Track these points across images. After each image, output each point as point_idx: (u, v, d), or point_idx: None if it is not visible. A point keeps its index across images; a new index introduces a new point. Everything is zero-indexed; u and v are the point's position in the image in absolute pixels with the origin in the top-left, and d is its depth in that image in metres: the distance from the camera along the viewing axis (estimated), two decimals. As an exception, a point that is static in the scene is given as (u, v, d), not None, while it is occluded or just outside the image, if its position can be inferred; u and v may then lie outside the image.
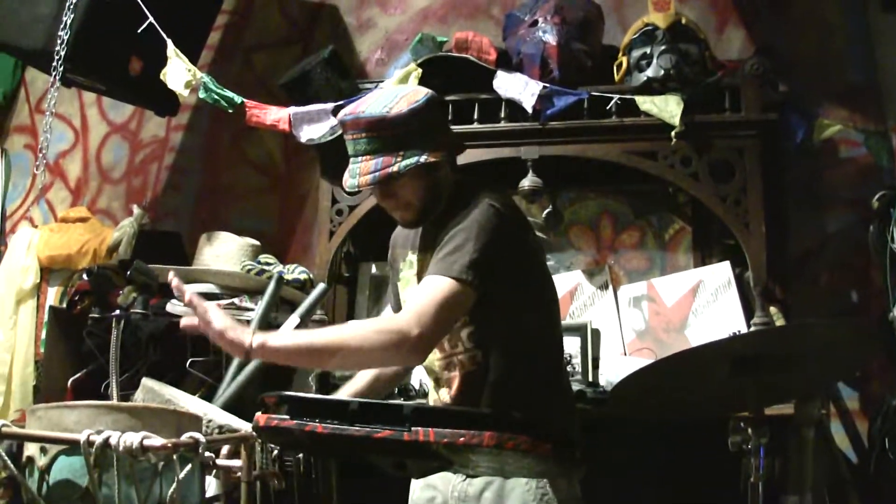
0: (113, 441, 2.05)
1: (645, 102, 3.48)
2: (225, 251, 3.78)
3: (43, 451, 2.10)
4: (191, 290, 2.25)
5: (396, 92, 2.43)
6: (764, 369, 2.19)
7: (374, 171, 2.33)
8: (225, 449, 2.45)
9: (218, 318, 2.23)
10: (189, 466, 2.14)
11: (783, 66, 3.69)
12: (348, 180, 2.38)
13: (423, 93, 2.46)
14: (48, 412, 2.18)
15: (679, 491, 3.22)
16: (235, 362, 3.40)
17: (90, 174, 4.43)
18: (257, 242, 3.85)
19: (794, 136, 3.54)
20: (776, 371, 2.21)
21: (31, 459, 2.13)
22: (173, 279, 2.27)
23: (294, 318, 3.42)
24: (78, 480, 2.07)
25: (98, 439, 2.05)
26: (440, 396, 2.50)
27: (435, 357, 2.44)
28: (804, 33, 3.83)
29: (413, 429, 2.00)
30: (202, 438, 2.20)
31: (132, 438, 2.06)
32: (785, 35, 3.83)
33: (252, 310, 3.56)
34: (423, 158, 2.34)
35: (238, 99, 3.59)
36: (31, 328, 4.17)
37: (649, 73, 3.53)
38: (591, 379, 3.47)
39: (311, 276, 3.75)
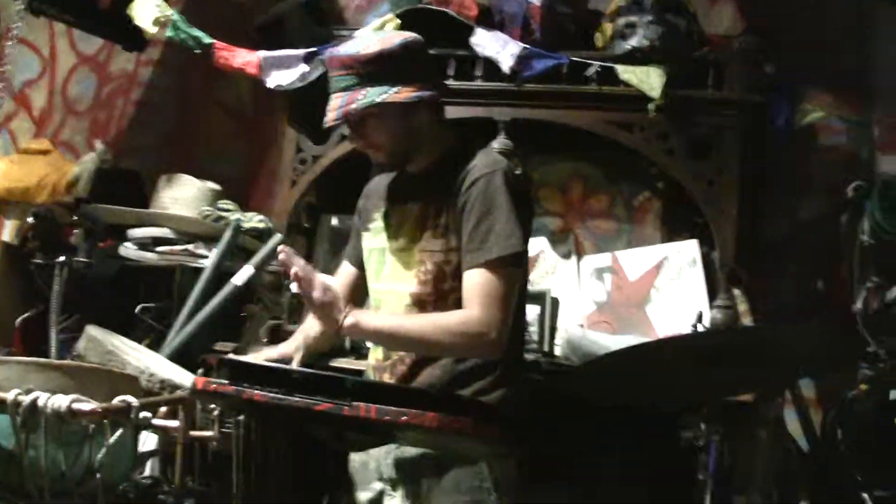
0: (41, 403, 1.99)
1: (626, 72, 3.38)
2: (184, 195, 3.69)
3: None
4: (299, 263, 2.28)
5: (378, 34, 2.53)
6: (725, 367, 2.16)
7: (339, 107, 2.34)
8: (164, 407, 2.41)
9: (318, 291, 2.28)
10: (120, 431, 2.08)
11: (772, 46, 3.55)
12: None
13: (401, 36, 2.47)
14: (-25, 368, 2.10)
15: (630, 483, 3.17)
16: (186, 309, 3.33)
17: (55, 105, 4.31)
18: (218, 187, 3.75)
19: (776, 119, 3.47)
20: (737, 369, 2.17)
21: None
22: (282, 252, 2.29)
23: (248, 269, 3.35)
24: (4, 441, 2.01)
25: (26, 400, 1.99)
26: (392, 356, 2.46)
27: (403, 307, 2.41)
28: (797, 15, 3.70)
29: (354, 404, 1.96)
30: (135, 402, 2.14)
31: (61, 401, 2.00)
32: (777, 15, 3.70)
33: (206, 257, 3.48)
34: (379, 98, 2.33)
35: (207, 39, 3.49)
36: (-15, 260, 4.08)
37: (633, 42, 3.42)
38: (546, 349, 3.42)
39: (270, 225, 3.66)
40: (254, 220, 3.62)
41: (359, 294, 2.66)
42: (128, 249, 3.52)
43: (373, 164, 2.68)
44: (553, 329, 3.46)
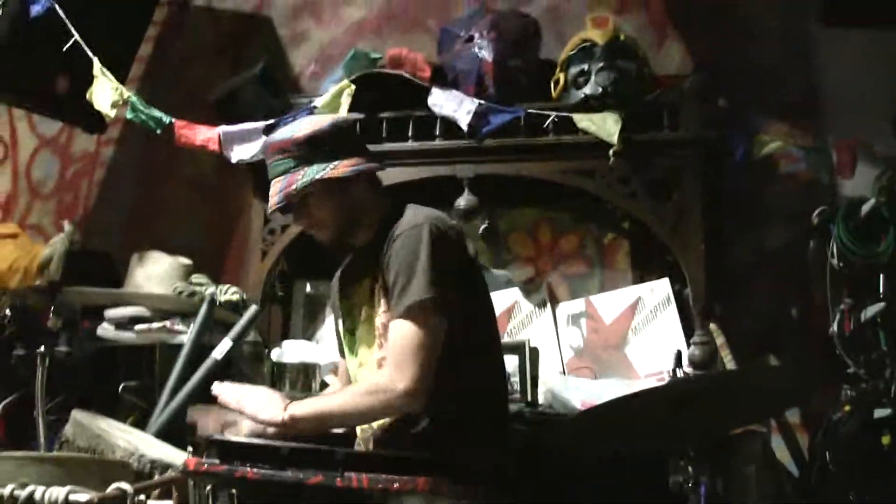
0: (38, 496, 2.00)
1: (583, 120, 3.44)
2: (157, 272, 3.69)
3: (-33, 504, 2.04)
4: (226, 394, 2.40)
5: (309, 118, 2.59)
6: (702, 410, 2.20)
7: (280, 190, 2.41)
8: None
9: (249, 402, 2.36)
10: (116, 518, 2.09)
11: (723, 81, 3.64)
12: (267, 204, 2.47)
13: (331, 118, 2.59)
14: (-28, 465, 2.10)
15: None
16: (168, 386, 3.34)
17: (20, 189, 4.33)
18: (189, 262, 3.76)
19: (734, 153, 3.50)
20: (716, 411, 2.21)
21: (-42, 508, 2.06)
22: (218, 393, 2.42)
23: (227, 342, 3.36)
24: (2, 535, 2.01)
25: (22, 494, 2.00)
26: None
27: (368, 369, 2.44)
28: (744, 48, 3.81)
29: (346, 474, 2.00)
30: (129, 489, 2.14)
31: (58, 493, 2.01)
32: (724, 50, 3.81)
33: (185, 332, 3.48)
34: (320, 175, 2.38)
35: (166, 119, 3.51)
36: (-40, 347, 4.07)
37: (587, 90, 3.49)
38: (529, 398, 3.44)
39: (244, 296, 3.66)
40: (228, 293, 3.60)
41: None
42: (105, 330, 3.51)
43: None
44: (535, 378, 3.48)
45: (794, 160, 3.68)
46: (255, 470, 2.08)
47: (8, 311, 3.48)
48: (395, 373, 2.25)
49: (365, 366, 2.47)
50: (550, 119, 3.49)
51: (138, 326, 3.50)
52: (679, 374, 3.22)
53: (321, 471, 2.04)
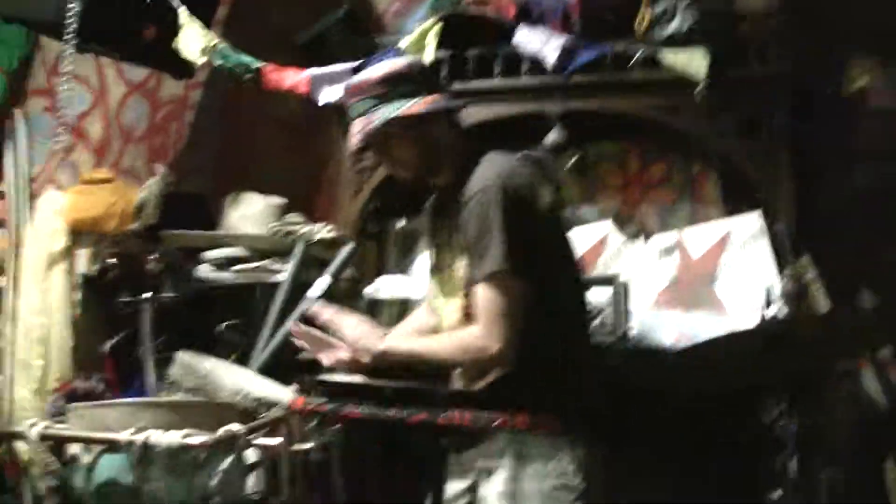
0: (153, 440, 2.10)
1: (669, 57, 3.42)
2: (251, 213, 3.80)
3: (86, 448, 2.15)
4: (325, 315, 2.55)
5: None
6: (794, 350, 2.23)
7: (359, 132, 2.48)
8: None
9: (350, 332, 2.49)
10: (229, 458, 2.19)
11: (812, 13, 3.55)
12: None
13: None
14: (89, 411, 2.21)
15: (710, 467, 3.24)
16: (268, 324, 3.45)
17: (112, 134, 4.39)
18: (283, 201, 3.84)
19: (824, 88, 3.49)
20: (808, 351, 2.24)
21: (74, 458, 2.18)
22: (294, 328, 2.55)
23: (324, 280, 3.46)
24: (122, 478, 2.12)
25: (139, 438, 2.10)
26: None
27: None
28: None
29: (448, 412, 2.08)
30: (241, 429, 2.24)
31: (172, 437, 2.11)
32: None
33: (282, 272, 3.58)
34: (396, 113, 2.45)
35: (255, 64, 3.55)
36: (64, 291, 4.19)
37: (673, 26, 3.43)
38: (621, 332, 3.48)
39: (339, 234, 3.76)
40: (323, 231, 3.71)
41: None
42: (204, 272, 3.63)
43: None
44: (626, 312, 3.51)
45: (884, 96, 3.58)
46: (359, 409, 2.17)
47: (113, 260, 3.60)
48: (487, 335, 2.34)
49: (449, 308, 2.53)
50: (637, 56, 3.48)
51: (236, 267, 3.61)
52: (769, 309, 3.25)
53: (424, 409, 2.12)
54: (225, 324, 3.56)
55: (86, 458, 2.18)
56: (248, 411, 2.60)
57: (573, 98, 3.59)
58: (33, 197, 4.33)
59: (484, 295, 2.34)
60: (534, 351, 2.39)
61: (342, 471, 2.70)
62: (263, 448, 2.43)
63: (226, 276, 3.60)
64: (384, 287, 3.74)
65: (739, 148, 3.45)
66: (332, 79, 3.58)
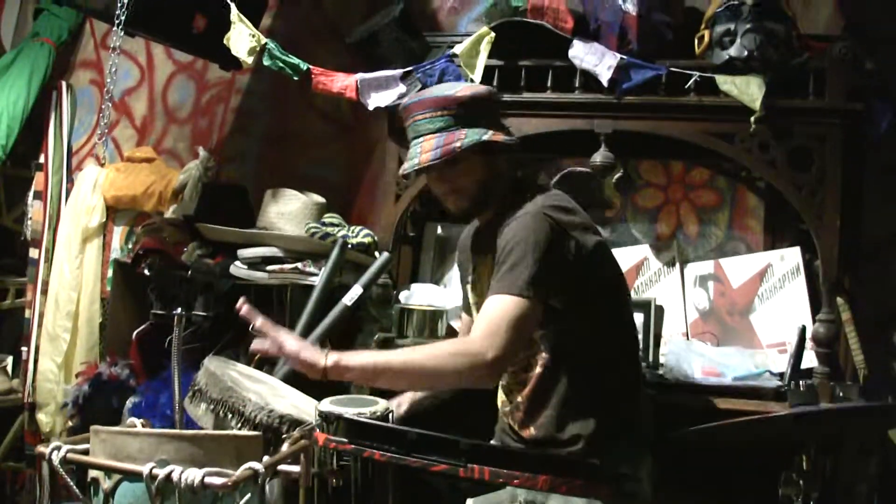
0: (175, 476, 2.10)
1: (725, 83, 3.33)
2: (289, 209, 3.76)
3: (107, 474, 2.17)
4: (259, 318, 2.43)
5: (458, 83, 2.60)
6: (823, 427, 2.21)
7: (436, 147, 2.41)
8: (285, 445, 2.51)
9: (290, 342, 2.40)
10: (248, 496, 2.19)
11: (872, 43, 3.47)
12: (406, 164, 2.49)
13: (485, 87, 2.61)
14: (111, 438, 2.22)
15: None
16: (298, 328, 3.43)
17: (156, 113, 4.40)
18: (322, 200, 3.82)
19: (879, 124, 3.37)
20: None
21: (95, 481, 2.20)
22: (243, 305, 2.45)
23: (357, 289, 3.43)
24: (143, 505, 2.12)
25: (161, 473, 2.10)
26: (510, 398, 2.58)
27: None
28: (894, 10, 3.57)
29: (469, 465, 2.08)
30: (261, 469, 2.23)
31: (194, 475, 2.11)
32: (876, 9, 3.60)
33: (316, 274, 3.56)
34: (485, 136, 2.41)
35: (303, 65, 3.52)
36: (96, 266, 4.24)
37: (732, 52, 3.34)
38: (651, 358, 3.48)
39: (376, 238, 3.71)
40: (360, 235, 3.66)
41: None
42: (239, 269, 3.61)
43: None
44: (658, 337, 3.52)
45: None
46: (381, 452, 2.17)
47: (141, 251, 3.63)
48: (485, 340, 2.29)
49: None
50: (693, 79, 3.40)
51: (270, 267, 3.58)
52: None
53: (445, 459, 2.11)
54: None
55: (106, 484, 2.20)
56: (270, 427, 2.61)
57: (624, 117, 3.50)
58: (74, 170, 4.35)
59: (496, 304, 2.32)
60: (588, 383, 2.42)
61: (360, 496, 2.69)
62: (282, 473, 2.44)
63: (259, 275, 3.57)
64: (417, 294, 3.72)
65: (788, 179, 3.36)
66: (382, 84, 3.55)
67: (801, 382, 2.36)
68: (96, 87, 4.45)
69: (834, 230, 3.32)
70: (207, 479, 2.11)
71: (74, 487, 2.21)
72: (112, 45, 3.55)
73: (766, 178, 3.51)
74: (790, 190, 3.37)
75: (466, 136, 2.39)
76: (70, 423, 3.87)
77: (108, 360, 3.83)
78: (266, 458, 2.37)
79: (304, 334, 3.41)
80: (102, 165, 4.26)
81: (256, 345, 2.45)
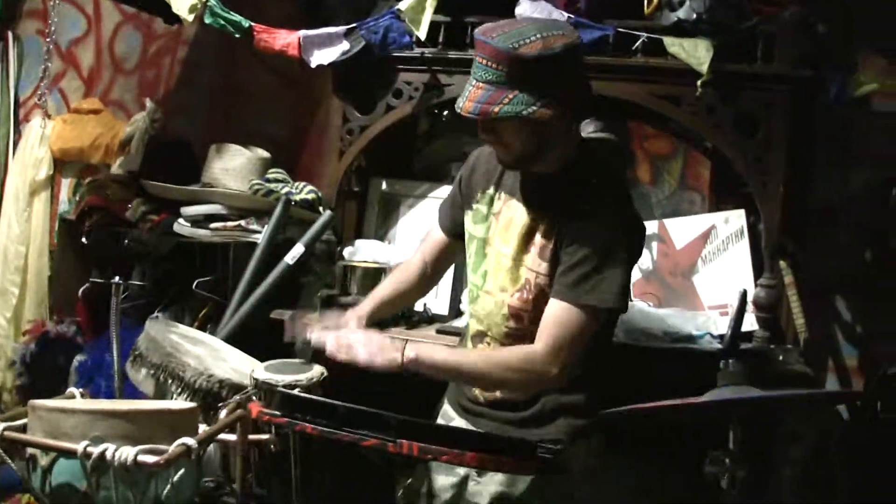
0: (108, 454, 2.11)
1: (673, 45, 3.28)
2: (233, 165, 3.74)
3: (44, 451, 2.18)
4: (329, 339, 2.39)
5: (539, 29, 2.26)
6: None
7: (477, 101, 2.23)
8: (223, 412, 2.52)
9: (361, 349, 2.35)
10: (182, 471, 2.20)
11: (823, 7, 3.39)
12: (458, 100, 2.30)
13: (564, 40, 2.26)
14: (47, 414, 2.22)
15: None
16: (240, 286, 3.43)
17: (103, 64, 4.32)
18: (267, 155, 3.79)
19: (829, 92, 3.35)
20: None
21: (34, 457, 2.20)
22: (311, 339, 2.45)
23: (299, 248, 3.44)
24: (77, 483, 2.14)
25: (95, 451, 2.11)
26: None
27: (500, 315, 2.46)
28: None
29: (398, 441, 2.08)
30: (193, 444, 2.24)
31: (127, 453, 2.11)
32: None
33: (260, 232, 3.55)
34: (526, 111, 2.20)
35: (246, 23, 3.44)
36: (45, 219, 4.21)
37: (681, 13, 3.28)
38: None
39: (320, 195, 3.70)
40: (304, 192, 3.64)
41: (443, 262, 2.79)
42: (182, 227, 3.60)
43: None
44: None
45: (889, 99, 3.49)
46: (313, 425, 2.18)
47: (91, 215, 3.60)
48: (551, 356, 2.29)
49: (493, 298, 2.48)
50: (640, 41, 3.35)
51: (213, 224, 3.57)
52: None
53: (375, 434, 2.12)
54: (198, 280, 3.55)
55: (43, 461, 2.21)
56: (211, 392, 2.62)
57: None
58: (21, 122, 4.30)
59: (569, 320, 2.29)
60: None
61: (299, 461, 2.71)
62: (219, 441, 2.45)
63: (202, 232, 3.55)
64: (361, 250, 3.70)
65: (734, 144, 3.34)
66: (325, 41, 3.49)
67: (730, 362, 2.34)
68: (43, 38, 4.37)
69: (777, 197, 3.31)
70: (141, 458, 2.12)
71: (12, 465, 2.21)
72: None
73: (711, 142, 3.50)
74: (736, 155, 3.35)
75: (508, 104, 2.21)
76: (18, 382, 3.87)
77: (55, 317, 3.83)
78: (201, 431, 2.38)
79: (247, 292, 3.42)
80: (49, 117, 4.21)
81: (328, 346, 2.42)
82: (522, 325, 2.43)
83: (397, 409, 2.12)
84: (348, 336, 2.40)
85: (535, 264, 2.39)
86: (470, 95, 2.25)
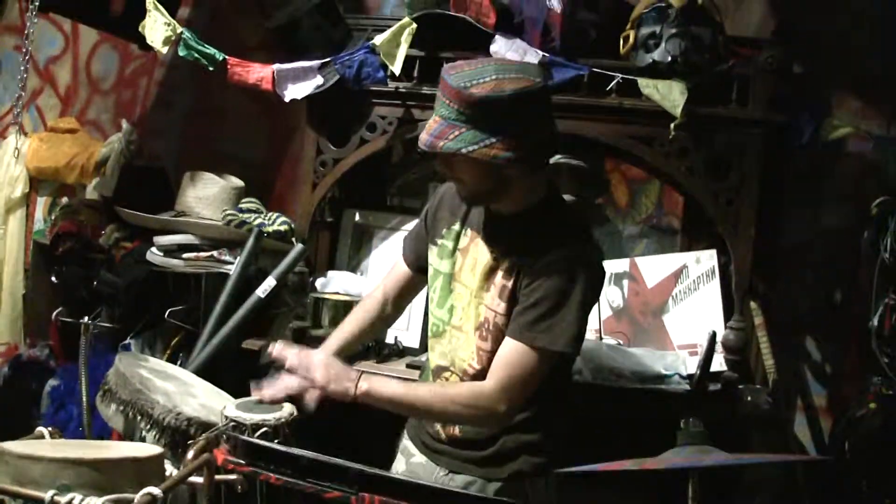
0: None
1: (647, 86, 3.29)
2: (207, 194, 3.74)
3: (13, 498, 2.19)
4: (290, 354, 2.43)
5: (498, 71, 2.25)
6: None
7: (430, 134, 2.24)
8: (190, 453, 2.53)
9: (319, 372, 2.39)
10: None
11: (800, 49, 3.45)
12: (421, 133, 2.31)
13: (518, 84, 2.23)
14: (14, 461, 2.23)
15: None
16: (212, 318, 3.43)
17: (80, 83, 4.31)
18: (241, 184, 3.79)
19: (801, 135, 3.37)
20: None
21: (2, 502, 2.22)
22: (273, 350, 2.48)
23: (270, 281, 3.44)
24: (47, 530, 2.16)
25: (62, 501, 2.13)
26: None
27: (468, 351, 2.47)
28: (827, 14, 3.54)
29: (360, 494, 2.10)
30: (159, 493, 2.25)
31: (93, 503, 2.13)
32: (806, 14, 3.54)
33: (232, 263, 3.55)
34: (466, 149, 2.19)
35: (220, 56, 3.43)
36: (20, 238, 4.21)
37: (656, 55, 3.29)
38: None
39: (292, 225, 3.68)
40: (276, 223, 3.62)
41: (406, 296, 2.77)
42: (155, 256, 3.59)
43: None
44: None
45: (862, 140, 3.50)
46: (277, 476, 2.20)
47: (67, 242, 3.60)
48: (499, 393, 2.30)
49: (459, 334, 2.48)
50: (615, 81, 3.35)
51: (186, 255, 3.57)
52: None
53: (338, 486, 2.14)
54: (170, 310, 3.55)
55: (12, 505, 2.23)
56: (178, 430, 2.63)
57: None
58: (-2, 138, 4.29)
59: (520, 360, 2.30)
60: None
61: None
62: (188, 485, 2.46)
63: (175, 262, 3.55)
64: (333, 282, 3.71)
65: (706, 187, 3.35)
66: (298, 75, 3.49)
67: (691, 421, 2.35)
68: (20, 54, 4.34)
69: (748, 240, 3.34)
70: (107, 509, 2.14)
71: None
72: (28, 14, 3.46)
73: (683, 186, 3.51)
74: (707, 198, 3.37)
75: (454, 139, 2.20)
76: (-10, 405, 3.89)
77: (28, 340, 3.84)
78: (167, 480, 2.39)
79: (219, 324, 3.43)
80: (26, 134, 4.20)
81: (288, 360, 2.44)
82: (483, 365, 2.43)
83: (360, 441, 2.14)
84: (310, 356, 2.43)
85: (494, 304, 2.39)
86: (427, 127, 2.27)
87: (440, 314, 2.55)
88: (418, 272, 2.68)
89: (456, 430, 2.52)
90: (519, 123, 2.24)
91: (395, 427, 2.77)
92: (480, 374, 2.43)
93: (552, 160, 2.46)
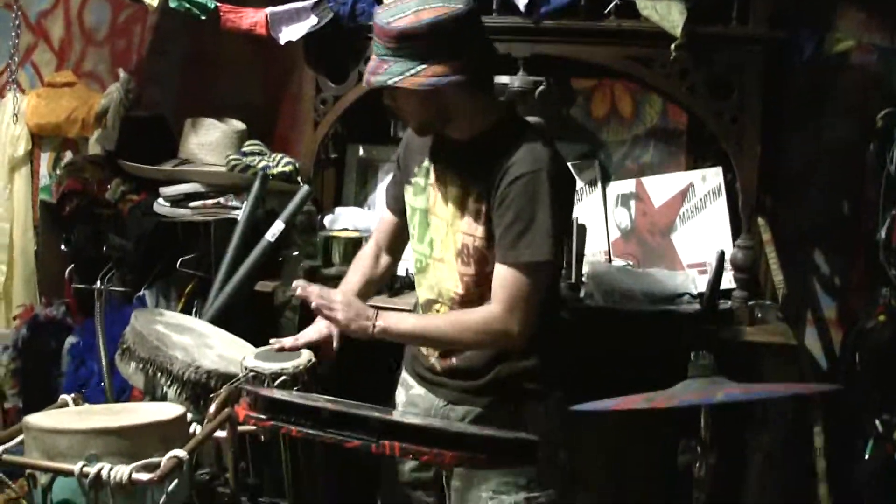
0: (104, 474, 2.18)
1: (646, 8, 3.24)
2: (210, 140, 3.74)
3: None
4: (314, 291, 2.47)
5: (419, 3, 2.32)
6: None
7: (369, 70, 2.35)
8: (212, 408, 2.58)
9: (341, 311, 2.46)
10: (175, 482, 2.26)
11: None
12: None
13: (436, 12, 2.30)
14: (41, 435, 2.28)
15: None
16: (223, 265, 3.45)
17: (73, 35, 4.26)
18: (243, 127, 3.79)
19: (802, 51, 3.31)
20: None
21: (33, 476, 2.27)
22: (298, 287, 2.50)
23: (279, 225, 3.46)
24: (77, 500, 2.21)
25: (91, 471, 2.18)
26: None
27: (452, 280, 2.52)
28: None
29: (381, 442, 2.14)
30: (185, 456, 2.30)
31: (122, 472, 2.18)
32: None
33: (239, 208, 3.56)
34: (392, 80, 2.29)
35: (211, 4, 3.40)
36: (27, 195, 4.22)
37: (654, -28, 3.28)
38: (573, 279, 3.46)
39: (297, 165, 3.69)
40: (281, 165, 3.62)
41: (399, 242, 2.82)
42: (162, 206, 3.61)
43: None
44: (580, 256, 3.47)
45: (866, 52, 3.44)
46: (298, 428, 2.24)
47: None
48: (509, 317, 2.37)
49: (441, 264, 2.53)
50: (613, 3, 3.31)
51: (193, 203, 3.59)
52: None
53: (358, 435, 2.18)
54: (182, 259, 3.56)
55: (42, 479, 2.27)
56: (199, 383, 2.68)
57: (542, 42, 3.43)
58: (-6, 97, 4.26)
59: (514, 279, 2.35)
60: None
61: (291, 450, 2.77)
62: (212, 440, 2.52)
63: (182, 212, 3.57)
64: (341, 218, 3.73)
65: (708, 107, 3.34)
66: (292, 17, 3.48)
67: (701, 353, 2.37)
68: (10, 10, 4.30)
69: (754, 157, 3.34)
70: (135, 476, 2.19)
71: (13, 487, 2.28)
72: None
73: (685, 105, 3.49)
74: (710, 117, 3.37)
75: (382, 73, 2.30)
76: (12, 366, 3.93)
77: (43, 299, 3.87)
78: (191, 440, 2.44)
79: (231, 270, 3.45)
80: (23, 92, 4.18)
81: (312, 298, 2.47)
82: (468, 290, 2.50)
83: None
84: (332, 295, 2.48)
85: (471, 229, 2.45)
86: (367, 69, 2.38)
87: (422, 249, 2.61)
88: (403, 217, 2.71)
89: (453, 360, 2.58)
90: (444, 49, 2.31)
91: (397, 358, 2.83)
92: (465, 298, 2.51)
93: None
